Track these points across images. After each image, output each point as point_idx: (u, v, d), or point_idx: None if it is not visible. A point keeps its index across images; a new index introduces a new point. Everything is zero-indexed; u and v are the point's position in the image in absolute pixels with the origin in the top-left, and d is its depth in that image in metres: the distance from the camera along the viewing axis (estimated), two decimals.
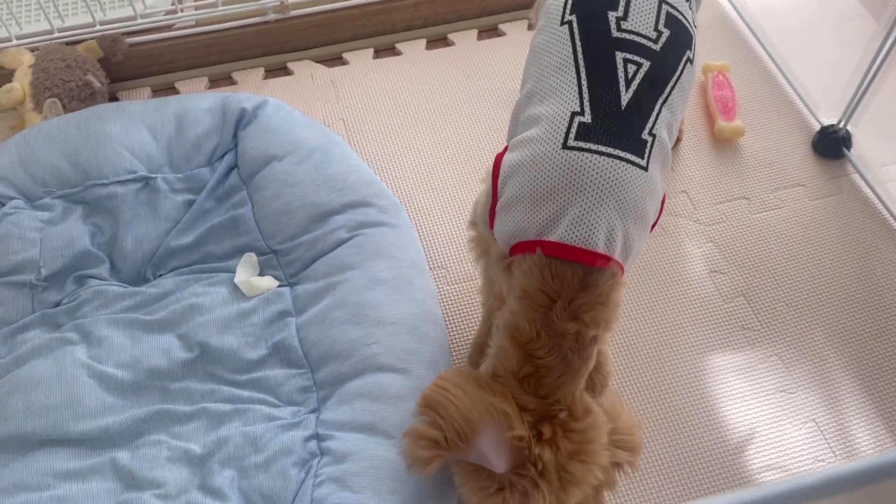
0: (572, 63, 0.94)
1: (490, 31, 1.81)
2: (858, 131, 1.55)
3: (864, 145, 1.55)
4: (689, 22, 1.00)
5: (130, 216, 1.33)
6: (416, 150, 1.57)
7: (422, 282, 1.29)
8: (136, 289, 1.29)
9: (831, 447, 1.22)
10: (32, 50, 1.56)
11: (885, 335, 1.33)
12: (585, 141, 0.89)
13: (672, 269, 1.40)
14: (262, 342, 1.22)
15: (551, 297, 0.88)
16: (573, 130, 0.90)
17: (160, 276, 1.32)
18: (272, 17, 1.69)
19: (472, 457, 0.86)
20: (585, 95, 0.91)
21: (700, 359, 1.30)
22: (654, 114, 0.92)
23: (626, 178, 0.89)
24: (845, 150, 1.54)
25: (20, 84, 1.50)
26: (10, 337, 1.23)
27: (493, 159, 0.99)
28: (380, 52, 1.77)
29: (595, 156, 0.89)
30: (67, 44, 1.58)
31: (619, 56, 0.93)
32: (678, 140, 1.56)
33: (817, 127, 1.58)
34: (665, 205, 1.00)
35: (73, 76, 1.51)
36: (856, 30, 1.76)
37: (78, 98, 1.51)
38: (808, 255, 1.42)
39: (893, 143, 1.56)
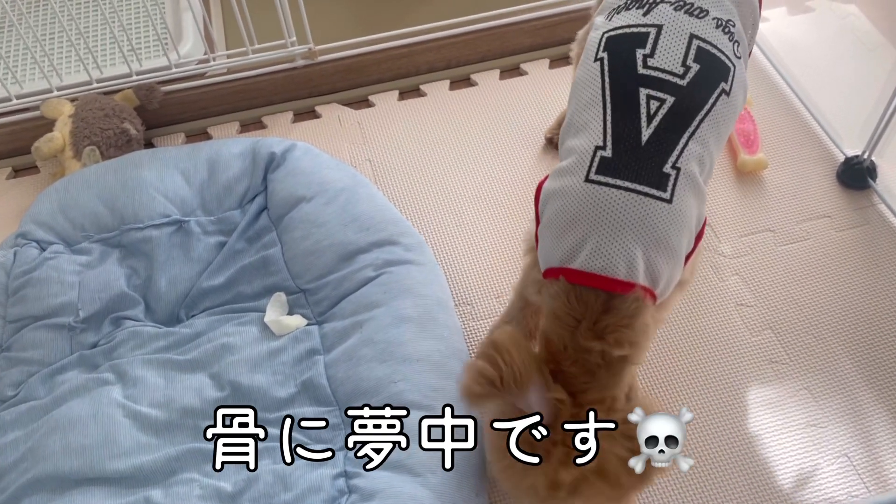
0: (600, 99, 0.98)
1: (512, 71, 1.85)
2: (883, 161, 1.54)
3: (890, 175, 1.54)
4: (726, 55, 1.02)
5: (165, 258, 1.38)
6: (440, 188, 1.60)
7: (447, 318, 1.31)
8: (170, 329, 1.33)
9: (864, 481, 1.20)
10: (72, 100, 1.63)
11: None
12: (605, 175, 0.94)
13: (698, 303, 1.40)
14: (291, 380, 1.25)
15: (576, 318, 0.94)
16: (595, 164, 0.95)
17: (193, 316, 1.36)
18: (300, 63, 1.75)
19: (521, 403, 0.90)
20: (609, 130, 0.96)
21: (728, 393, 1.29)
22: (679, 147, 0.95)
23: (646, 211, 0.93)
24: (870, 181, 1.54)
25: (60, 133, 1.57)
26: (49, 378, 1.27)
27: (536, 186, 1.05)
28: (404, 94, 1.82)
29: (613, 190, 0.93)
30: (105, 93, 1.65)
31: (643, 92, 0.96)
32: None
33: (841, 158, 1.58)
34: (704, 234, 1.02)
35: (110, 124, 1.57)
36: (878, 60, 1.76)
37: (115, 145, 1.57)
38: (835, 286, 1.41)
39: None
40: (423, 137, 1.70)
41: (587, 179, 0.94)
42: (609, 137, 0.95)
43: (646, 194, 0.93)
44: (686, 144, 0.95)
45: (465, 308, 1.42)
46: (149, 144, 1.72)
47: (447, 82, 1.82)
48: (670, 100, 0.95)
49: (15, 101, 1.64)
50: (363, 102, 1.81)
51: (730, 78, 1.01)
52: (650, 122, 0.95)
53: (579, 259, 0.94)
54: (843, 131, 1.62)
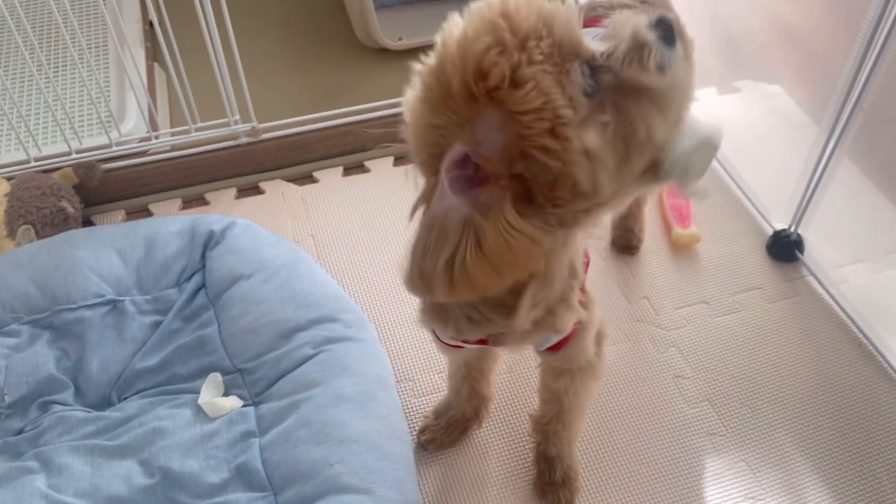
0: None
1: None
2: (809, 234, 1.60)
3: (816, 248, 1.60)
4: None
5: (97, 339, 1.35)
6: (383, 263, 1.61)
7: (387, 397, 1.30)
8: (100, 413, 1.29)
9: None
10: (9, 178, 1.61)
11: (849, 437, 1.33)
12: None
13: (636, 375, 1.42)
14: (225, 464, 1.21)
15: None
16: None
17: (125, 398, 1.32)
18: (244, 140, 1.76)
19: None
20: None
21: (667, 466, 1.29)
22: None
23: None
24: (798, 254, 1.59)
25: None
26: None
27: None
28: (349, 170, 1.84)
29: None
30: (44, 171, 1.64)
31: None
32: (637, 247, 1.61)
33: (770, 231, 1.64)
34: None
35: (47, 203, 1.55)
36: (802, 137, 1.85)
37: (52, 224, 1.55)
38: (768, 357, 1.44)
39: (844, 245, 1.62)
40: (366, 213, 1.71)
41: None
42: None
43: None
44: None
45: (406, 384, 1.41)
46: (87, 222, 1.70)
47: (391, 159, 1.85)
48: None
49: None
50: (307, 178, 1.82)
51: None
52: None
53: None
54: (771, 206, 1.68)
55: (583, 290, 0.99)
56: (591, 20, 1.19)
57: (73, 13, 1.48)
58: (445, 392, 1.33)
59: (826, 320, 1.50)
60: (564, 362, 1.09)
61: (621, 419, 1.35)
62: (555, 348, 1.04)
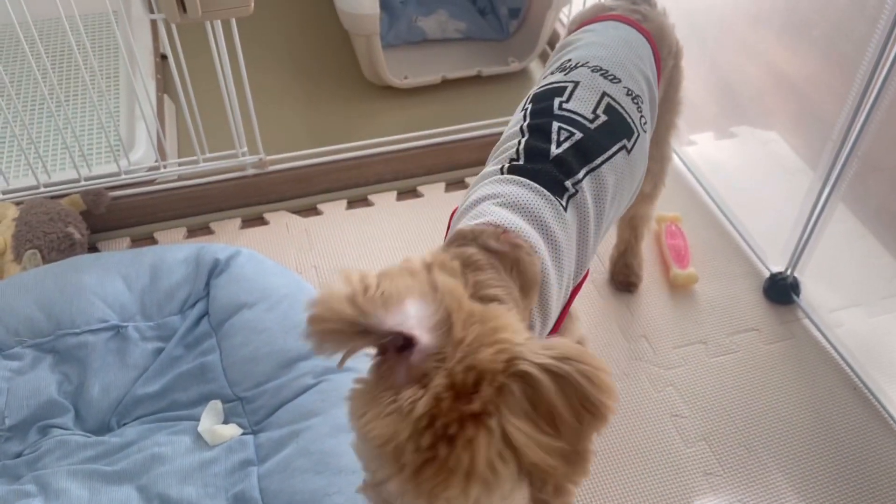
0: (519, 132, 1.09)
1: (457, 184, 1.92)
2: (806, 278, 1.63)
3: (813, 291, 1.62)
4: (632, 119, 1.13)
5: (99, 364, 1.35)
6: None
7: None
8: (99, 438, 1.29)
9: None
10: (18, 203, 1.63)
11: (844, 479, 1.34)
12: (513, 174, 1.02)
13: (634, 413, 1.43)
14: (223, 492, 1.21)
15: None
16: (506, 167, 1.04)
17: (124, 424, 1.32)
18: (251, 171, 1.79)
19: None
20: (522, 148, 1.06)
21: None
22: (580, 176, 1.03)
23: (536, 202, 0.98)
24: (794, 297, 1.61)
25: (2, 236, 1.56)
26: None
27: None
28: (353, 203, 1.87)
29: (518, 179, 1.00)
30: (52, 197, 1.66)
31: (556, 124, 1.07)
32: (636, 284, 1.63)
33: (767, 274, 1.66)
34: (584, 285, 1.07)
35: (54, 228, 1.57)
36: (797, 182, 1.88)
37: (58, 249, 1.57)
38: (765, 398, 1.46)
39: (840, 289, 1.64)
40: (368, 245, 1.74)
41: (501, 173, 1.03)
42: (522, 152, 1.05)
43: (546, 197, 0.99)
44: (585, 176, 1.04)
45: None
46: (93, 249, 1.72)
47: (394, 193, 1.88)
48: (578, 135, 1.06)
49: None
50: (311, 210, 1.85)
51: (633, 140, 1.12)
52: (559, 146, 1.05)
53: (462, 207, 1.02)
54: (768, 248, 1.71)
55: (573, 297, 1.05)
56: (607, 16, 1.26)
57: (88, 43, 1.51)
58: None
59: (822, 363, 1.52)
60: None
61: (618, 456, 1.36)
62: None
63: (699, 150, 1.96)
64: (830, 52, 1.76)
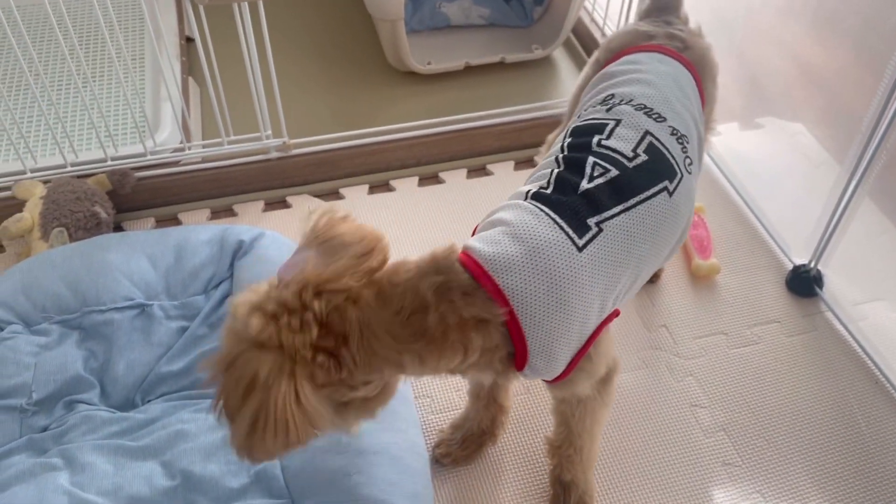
0: (555, 162, 1.07)
1: (478, 171, 1.92)
2: (829, 271, 1.62)
3: (836, 284, 1.61)
4: (675, 160, 1.08)
5: (124, 342, 1.37)
6: None
7: (406, 411, 1.31)
8: (124, 414, 1.31)
9: None
10: (45, 182, 1.65)
11: (864, 473, 1.33)
12: (536, 201, 1.00)
13: (653, 403, 1.43)
14: (245, 470, 1.22)
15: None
16: (531, 194, 1.02)
17: (149, 401, 1.34)
18: (274, 154, 1.80)
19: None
20: (553, 178, 1.03)
21: (682, 494, 1.30)
22: (610, 213, 1.00)
23: (557, 240, 0.96)
24: (817, 289, 1.60)
25: (30, 214, 1.58)
26: None
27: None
28: (374, 188, 1.87)
29: (538, 210, 0.98)
30: (79, 177, 1.68)
31: (591, 160, 1.04)
32: (657, 275, 1.62)
33: (790, 266, 1.66)
34: (607, 326, 1.04)
35: (81, 207, 1.59)
36: (823, 175, 1.87)
37: (84, 228, 1.58)
38: (786, 390, 1.45)
39: (863, 283, 1.63)
40: (390, 230, 1.74)
41: (525, 199, 1.02)
42: (552, 182, 1.03)
43: (562, 228, 0.96)
44: (617, 215, 1.00)
45: (424, 400, 1.43)
46: (118, 228, 1.73)
47: (416, 178, 1.89)
48: (614, 172, 1.02)
49: None
50: (334, 195, 1.86)
51: (676, 181, 1.07)
52: (590, 182, 1.01)
53: (475, 237, 1.01)
54: (791, 241, 1.70)
55: (592, 339, 1.01)
56: (649, 46, 1.23)
57: (116, 21, 1.52)
58: (463, 409, 1.35)
59: (843, 357, 1.51)
60: (564, 392, 1.11)
61: (637, 446, 1.36)
62: (551, 381, 1.05)
63: (724, 140, 1.95)
64: (860, 45, 1.74)
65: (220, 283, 1.47)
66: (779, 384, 1.46)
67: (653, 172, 1.05)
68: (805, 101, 2.00)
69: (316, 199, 1.82)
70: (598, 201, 0.99)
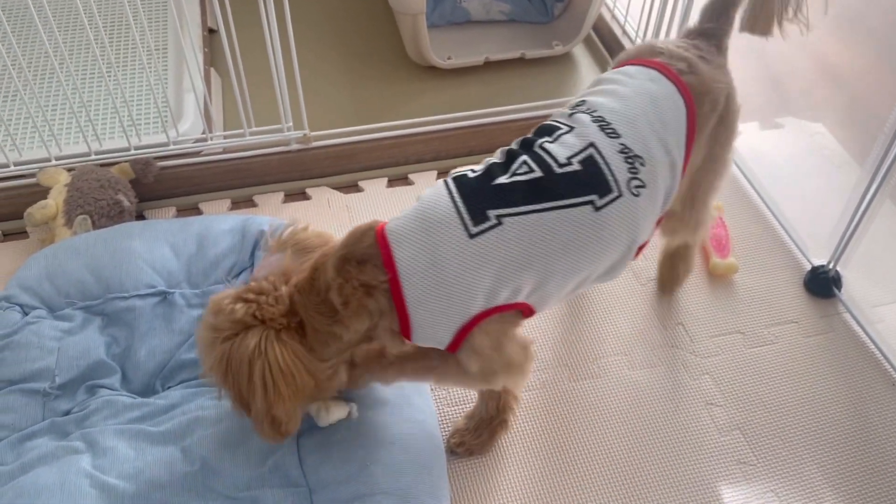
0: (501, 151, 1.13)
1: None
2: (848, 272, 1.61)
3: (854, 286, 1.61)
4: (615, 179, 1.07)
5: (146, 329, 1.39)
6: None
7: (423, 402, 1.33)
8: (145, 400, 1.33)
9: None
10: (69, 170, 1.67)
11: (879, 474, 1.33)
12: (453, 182, 1.08)
13: (669, 400, 1.43)
14: (263, 458, 1.24)
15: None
16: (457, 174, 1.10)
17: (169, 387, 1.36)
18: (294, 146, 1.81)
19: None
20: (486, 164, 1.11)
21: (697, 492, 1.30)
22: (515, 210, 1.03)
23: (451, 224, 1.03)
24: (836, 290, 1.60)
25: (54, 201, 1.60)
26: (18, 444, 1.25)
27: None
28: (393, 182, 1.88)
29: (447, 193, 1.06)
30: (102, 165, 1.70)
31: (522, 157, 1.08)
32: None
33: (808, 266, 1.65)
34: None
35: (104, 195, 1.61)
36: (843, 176, 1.86)
37: (107, 215, 1.60)
38: (802, 391, 1.45)
39: (882, 285, 1.62)
40: None
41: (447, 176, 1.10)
42: (481, 170, 1.09)
43: (459, 212, 1.02)
44: (524, 214, 1.03)
45: (441, 392, 1.44)
46: (140, 216, 1.75)
47: (434, 173, 1.90)
48: (537, 173, 1.06)
49: (13, 168, 1.68)
50: (353, 187, 1.87)
51: (608, 198, 1.06)
52: (511, 177, 1.05)
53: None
54: (810, 241, 1.69)
55: (477, 320, 1.07)
56: (650, 61, 1.22)
57: (142, 14, 1.54)
58: (477, 401, 1.35)
59: (861, 358, 1.51)
60: (470, 367, 1.15)
61: (652, 443, 1.37)
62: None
63: (743, 139, 1.93)
64: (883, 46, 1.73)
65: (241, 272, 1.49)
66: (795, 384, 1.46)
67: (579, 183, 1.06)
68: (826, 100, 1.99)
69: (335, 192, 1.84)
70: (507, 197, 1.03)
